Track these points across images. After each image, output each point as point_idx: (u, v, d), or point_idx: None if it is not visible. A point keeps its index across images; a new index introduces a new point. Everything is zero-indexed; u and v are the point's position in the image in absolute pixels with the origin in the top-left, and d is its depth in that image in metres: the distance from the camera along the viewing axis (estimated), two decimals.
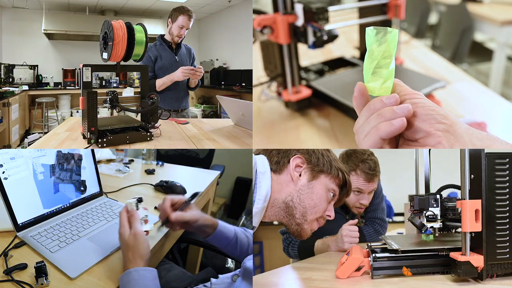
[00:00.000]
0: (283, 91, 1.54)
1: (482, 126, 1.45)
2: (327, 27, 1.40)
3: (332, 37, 1.40)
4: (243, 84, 4.69)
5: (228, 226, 1.18)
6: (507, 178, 0.92)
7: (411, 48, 2.30)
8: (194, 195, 1.16)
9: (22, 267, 0.95)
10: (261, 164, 1.01)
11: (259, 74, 1.63)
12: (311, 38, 1.40)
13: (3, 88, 4.20)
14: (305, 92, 1.54)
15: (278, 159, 1.01)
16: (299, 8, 1.37)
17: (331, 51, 2.01)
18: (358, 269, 1.05)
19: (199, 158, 2.84)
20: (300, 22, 1.38)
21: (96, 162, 1.45)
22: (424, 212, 1.12)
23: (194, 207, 1.14)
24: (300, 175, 1.00)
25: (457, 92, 1.75)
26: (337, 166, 1.02)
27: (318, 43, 1.39)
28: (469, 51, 3.56)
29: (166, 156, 2.69)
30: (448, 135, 0.61)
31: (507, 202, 0.93)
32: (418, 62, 2.09)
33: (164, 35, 2.37)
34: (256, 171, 0.99)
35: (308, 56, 1.82)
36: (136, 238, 0.97)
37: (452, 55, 3.53)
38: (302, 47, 1.50)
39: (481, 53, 3.79)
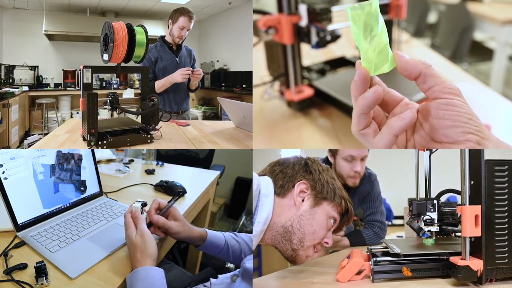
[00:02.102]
0: (286, 90, 1.55)
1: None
2: (330, 27, 1.41)
3: (335, 37, 1.41)
4: (244, 85, 4.70)
5: (217, 234, 1.18)
6: (506, 184, 0.94)
7: (411, 47, 2.29)
8: (177, 195, 1.15)
9: (22, 267, 0.95)
10: (265, 186, 1.00)
11: (262, 74, 1.64)
12: (314, 38, 1.41)
13: (3, 89, 4.19)
14: (307, 92, 1.54)
15: (283, 183, 1.01)
16: (303, 9, 1.38)
17: (332, 50, 2.01)
18: (359, 272, 1.05)
19: (199, 158, 2.85)
20: (304, 22, 1.39)
21: (96, 162, 1.45)
22: (422, 216, 1.13)
23: (180, 217, 1.12)
24: (303, 200, 1.00)
25: None
26: (341, 194, 1.03)
27: (321, 43, 1.40)
28: (469, 51, 3.56)
29: (166, 156, 2.70)
30: (477, 148, 0.60)
31: (506, 208, 0.94)
32: None
33: (164, 36, 2.38)
34: (260, 193, 0.98)
35: (310, 56, 1.83)
36: (143, 238, 0.98)
37: (451, 54, 3.53)
38: (304, 47, 1.51)
39: (481, 52, 3.79)
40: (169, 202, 1.12)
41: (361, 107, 0.62)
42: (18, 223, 1.12)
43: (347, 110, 1.50)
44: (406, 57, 0.62)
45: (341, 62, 1.85)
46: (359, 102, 0.62)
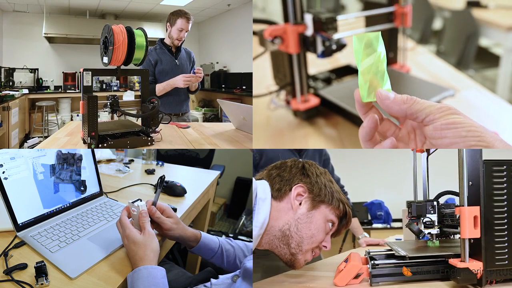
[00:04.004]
0: (292, 99, 1.55)
1: None
2: (335, 36, 1.41)
3: (341, 46, 1.41)
4: (244, 87, 4.71)
5: (212, 238, 1.18)
6: (505, 185, 0.93)
7: (416, 54, 2.28)
8: (160, 181, 1.13)
9: (22, 267, 0.95)
10: (262, 190, 1.00)
11: (269, 83, 1.64)
12: (320, 48, 1.41)
13: (3, 92, 4.20)
14: (313, 101, 1.54)
15: (280, 186, 1.00)
16: (308, 18, 1.39)
17: (338, 59, 2.00)
18: (357, 276, 1.04)
19: (199, 158, 2.86)
20: (309, 32, 1.40)
21: (96, 162, 1.45)
22: (422, 218, 1.12)
23: (174, 215, 1.13)
24: (300, 204, 0.99)
25: (465, 100, 1.72)
26: (339, 197, 1.02)
27: (327, 53, 1.40)
28: (475, 57, 3.53)
29: (166, 156, 2.71)
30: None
31: (505, 208, 0.93)
32: (424, 69, 2.07)
33: (164, 39, 2.39)
34: (256, 197, 0.98)
35: (315, 64, 1.83)
36: (149, 237, 0.99)
37: (457, 61, 3.51)
38: (309, 55, 1.51)
39: (487, 58, 3.75)
40: (155, 192, 1.12)
41: (361, 137, 0.65)
42: (18, 223, 1.12)
43: (353, 119, 1.50)
44: (390, 97, 0.62)
45: (347, 70, 1.85)
46: (359, 132, 0.64)
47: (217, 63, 5.56)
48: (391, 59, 1.87)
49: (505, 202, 0.93)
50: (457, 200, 1.01)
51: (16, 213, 1.11)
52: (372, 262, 1.02)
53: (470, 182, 0.94)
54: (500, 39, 3.40)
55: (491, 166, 0.93)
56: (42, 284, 0.89)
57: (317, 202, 0.99)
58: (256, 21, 1.49)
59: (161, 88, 2.27)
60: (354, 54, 0.65)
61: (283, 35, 1.40)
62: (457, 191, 0.97)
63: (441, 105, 0.60)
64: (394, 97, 0.63)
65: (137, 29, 1.49)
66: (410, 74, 1.87)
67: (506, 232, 0.93)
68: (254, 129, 1.58)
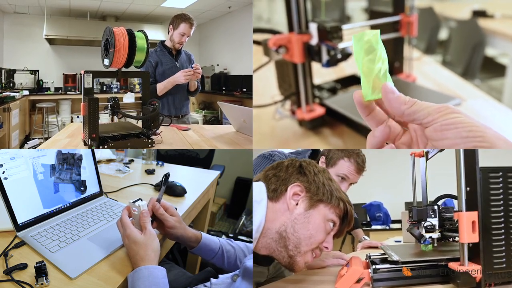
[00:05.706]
0: (297, 109, 1.54)
1: None
2: (340, 45, 1.41)
3: (346, 55, 1.40)
4: (244, 89, 4.71)
5: (213, 238, 1.17)
6: (501, 190, 0.94)
7: (422, 64, 2.27)
8: (164, 178, 1.12)
9: (22, 267, 0.96)
10: (257, 192, 0.97)
11: (274, 93, 1.63)
12: (325, 57, 1.40)
13: (4, 93, 4.21)
14: (319, 111, 1.54)
15: (276, 187, 0.97)
16: (313, 27, 1.38)
17: (343, 68, 1.99)
18: (358, 281, 1.02)
19: (199, 158, 2.86)
20: (314, 41, 1.39)
21: (96, 162, 1.46)
22: (423, 222, 1.11)
23: (177, 214, 1.14)
24: (297, 203, 0.95)
25: (472, 110, 1.71)
26: (339, 195, 0.97)
27: (332, 62, 1.40)
28: (481, 67, 3.51)
29: (166, 156, 2.71)
30: None
31: (502, 213, 0.94)
32: (430, 79, 2.06)
33: (164, 41, 2.39)
34: (253, 200, 0.97)
35: (320, 74, 1.82)
36: (150, 237, 0.99)
37: (463, 71, 3.50)
38: (314, 65, 1.50)
39: (493, 68, 3.73)
40: (158, 190, 1.12)
41: (371, 145, 0.63)
42: (18, 223, 1.12)
43: (358, 128, 1.49)
44: (395, 93, 0.61)
45: (352, 80, 1.84)
46: (369, 139, 0.64)
47: (218, 65, 5.57)
48: (397, 69, 1.86)
49: (502, 207, 0.94)
50: (455, 202, 1.01)
51: (16, 213, 1.11)
52: (374, 266, 1.01)
53: (468, 188, 0.94)
54: (506, 49, 3.38)
55: (488, 173, 0.93)
56: (42, 284, 0.89)
57: (315, 201, 0.95)
58: (260, 30, 1.47)
59: (162, 86, 2.27)
60: (354, 55, 0.64)
61: (288, 44, 1.39)
62: (456, 194, 0.97)
63: (440, 105, 0.59)
64: (399, 95, 0.62)
65: (138, 31, 1.49)
66: (416, 84, 1.86)
67: (503, 236, 0.94)
68: (259, 139, 1.56)
